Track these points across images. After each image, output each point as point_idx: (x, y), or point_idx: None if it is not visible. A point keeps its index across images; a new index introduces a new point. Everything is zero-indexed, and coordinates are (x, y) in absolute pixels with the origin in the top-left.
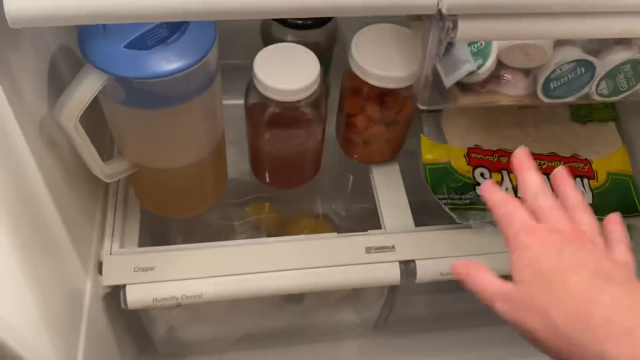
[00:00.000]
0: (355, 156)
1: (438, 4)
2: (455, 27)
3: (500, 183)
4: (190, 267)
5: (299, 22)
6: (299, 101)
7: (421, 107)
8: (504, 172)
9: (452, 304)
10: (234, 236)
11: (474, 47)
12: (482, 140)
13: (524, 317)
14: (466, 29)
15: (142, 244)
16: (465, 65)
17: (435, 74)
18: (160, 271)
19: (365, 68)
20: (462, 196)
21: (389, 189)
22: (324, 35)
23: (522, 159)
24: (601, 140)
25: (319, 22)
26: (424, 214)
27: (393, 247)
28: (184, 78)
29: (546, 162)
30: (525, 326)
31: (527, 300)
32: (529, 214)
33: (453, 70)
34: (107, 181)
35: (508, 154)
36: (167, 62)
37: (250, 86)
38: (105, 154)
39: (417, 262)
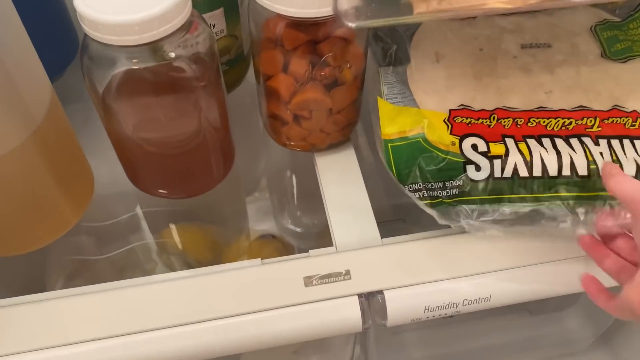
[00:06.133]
0: (292, 143)
1: None
2: None
3: (504, 158)
4: (27, 332)
5: None
6: (157, 45)
7: (350, 24)
8: (509, 141)
9: (458, 341)
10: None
11: None
12: (471, 98)
13: None
14: None
15: None
16: None
17: None
18: None
19: None
20: (447, 183)
21: (342, 187)
22: None
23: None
24: None
25: None
26: (402, 221)
27: (347, 272)
28: None
29: (573, 121)
30: None
31: None
32: None
33: None
34: None
35: (512, 114)
36: None
37: (85, 38)
38: None
39: (386, 294)
